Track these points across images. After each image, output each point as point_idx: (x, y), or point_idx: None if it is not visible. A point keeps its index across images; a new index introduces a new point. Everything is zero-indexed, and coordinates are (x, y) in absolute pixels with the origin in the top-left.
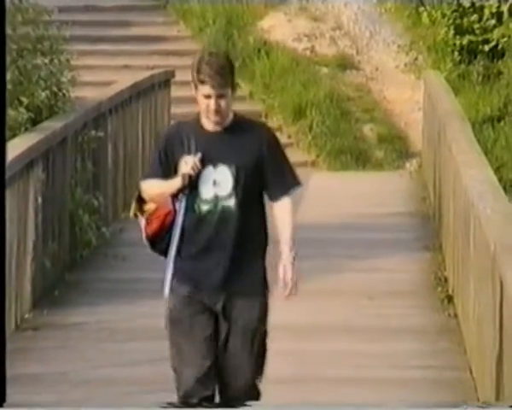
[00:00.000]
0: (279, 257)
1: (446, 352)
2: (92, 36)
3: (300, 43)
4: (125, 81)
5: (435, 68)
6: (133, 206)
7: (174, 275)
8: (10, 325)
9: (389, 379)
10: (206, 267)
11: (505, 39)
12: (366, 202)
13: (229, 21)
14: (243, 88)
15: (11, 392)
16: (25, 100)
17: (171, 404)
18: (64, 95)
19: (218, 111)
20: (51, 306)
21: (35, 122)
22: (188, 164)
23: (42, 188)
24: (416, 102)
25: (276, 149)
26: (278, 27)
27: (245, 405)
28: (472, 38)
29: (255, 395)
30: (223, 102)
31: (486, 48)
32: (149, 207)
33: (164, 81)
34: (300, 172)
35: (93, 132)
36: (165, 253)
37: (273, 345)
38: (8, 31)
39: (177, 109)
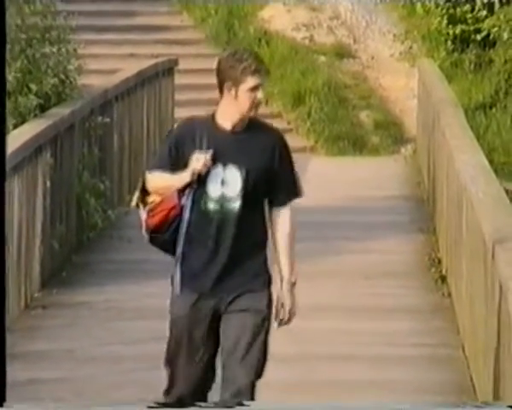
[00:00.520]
0: (279, 282)
1: (440, 330)
2: (98, 25)
3: (299, 32)
4: (130, 69)
5: (429, 57)
6: (136, 195)
7: (182, 274)
8: (20, 304)
9: (385, 356)
10: (208, 265)
11: (496, 29)
12: (363, 186)
13: (230, 12)
14: None
15: (20, 368)
16: (34, 87)
17: (162, 404)
18: (71, 82)
19: (261, 102)
20: (59, 286)
21: (44, 108)
22: (199, 161)
23: (50, 172)
24: (411, 90)
25: (287, 158)
26: (278, 17)
27: (242, 404)
28: (464, 27)
29: (252, 392)
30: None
31: (478, 37)
32: (154, 199)
33: (168, 69)
34: (299, 158)
35: (99, 119)
36: (164, 247)
37: (274, 324)
38: (18, 21)
39: (180, 96)
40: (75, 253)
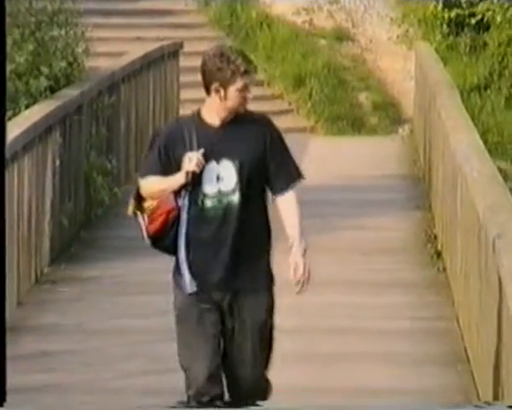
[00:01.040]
0: (289, 252)
1: (435, 304)
2: (105, 9)
3: (299, 16)
4: (136, 52)
5: (425, 40)
6: (132, 203)
7: (192, 274)
8: (30, 278)
9: (382, 329)
10: (211, 263)
11: (490, 13)
12: (361, 165)
13: None
14: None
15: (31, 340)
16: (44, 69)
17: (182, 403)
18: (79, 65)
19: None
20: (68, 261)
21: (53, 90)
22: (192, 160)
23: (59, 151)
24: (408, 72)
25: (279, 142)
26: (279, 2)
27: (256, 404)
28: (459, 11)
29: (265, 387)
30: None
31: (473, 21)
32: (150, 204)
33: (173, 52)
34: (300, 137)
35: (107, 100)
36: (167, 250)
37: (276, 299)
38: (26, 4)
39: (185, 78)
40: (83, 229)
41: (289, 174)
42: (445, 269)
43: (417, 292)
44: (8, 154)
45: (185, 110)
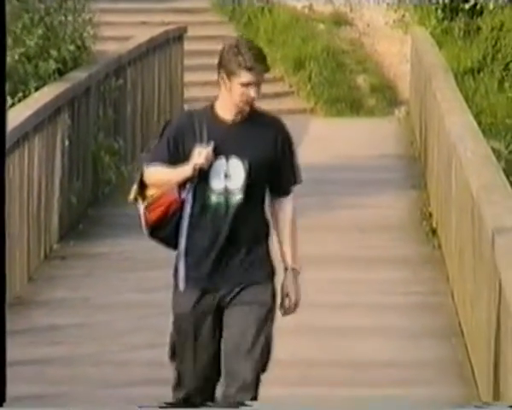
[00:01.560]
0: (283, 273)
1: (431, 279)
2: None
3: (299, 2)
4: (142, 36)
5: (421, 25)
6: (134, 189)
7: (187, 269)
8: (40, 255)
9: (379, 304)
10: (212, 259)
11: None
12: (359, 145)
13: None
14: None
15: (41, 314)
16: (53, 53)
17: (169, 404)
18: (87, 48)
19: (254, 100)
20: (77, 238)
21: (62, 73)
22: (201, 155)
23: (68, 132)
24: (404, 55)
25: (289, 148)
26: None
27: (245, 405)
28: None
29: (257, 385)
30: (260, 90)
31: (466, 6)
32: (153, 193)
33: (177, 36)
34: (300, 118)
35: (114, 82)
36: (165, 241)
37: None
38: None
39: (189, 61)
40: (91, 207)
41: (291, 179)
42: (440, 246)
43: (413, 268)
44: (18, 134)
45: (189, 92)
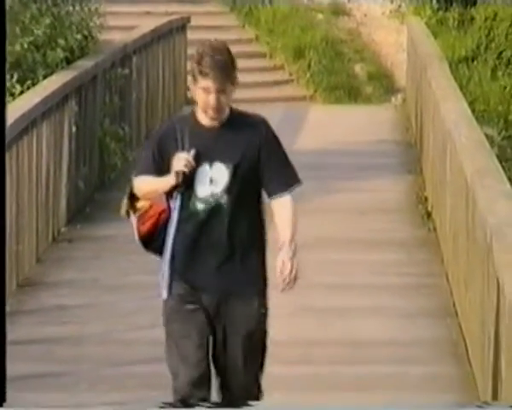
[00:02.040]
0: (278, 252)
1: (426, 261)
2: None
3: None
4: (146, 26)
5: (416, 15)
6: (125, 203)
7: (171, 275)
8: (48, 238)
9: (376, 285)
10: (201, 267)
11: None
12: (357, 132)
13: None
14: (250, 32)
15: (49, 295)
16: (61, 42)
17: (168, 404)
18: (93, 38)
19: (217, 107)
20: (84, 221)
21: (69, 61)
22: (180, 161)
23: (75, 118)
24: (400, 45)
25: (275, 145)
26: None
27: (247, 405)
28: None
29: (257, 393)
30: (223, 98)
31: None
32: (142, 205)
33: (181, 26)
34: (300, 106)
35: (119, 71)
36: (159, 252)
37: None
38: None
39: (191, 50)
40: (97, 191)
41: (285, 178)
42: (435, 229)
43: (409, 250)
44: (27, 121)
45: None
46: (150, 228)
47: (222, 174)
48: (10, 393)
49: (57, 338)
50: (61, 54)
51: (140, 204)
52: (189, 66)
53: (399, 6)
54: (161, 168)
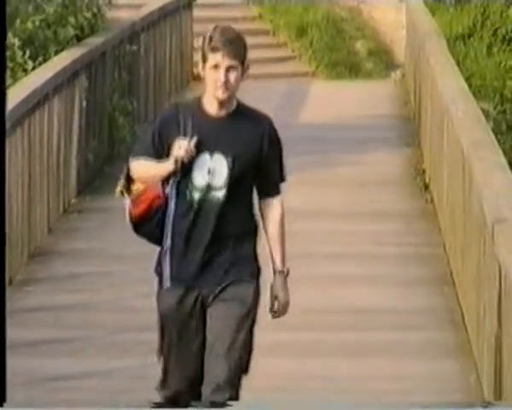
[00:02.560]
0: (272, 276)
1: (424, 231)
2: None
3: None
4: (154, 4)
5: None
6: (121, 183)
7: (172, 266)
8: (59, 209)
9: (376, 254)
10: (195, 257)
11: None
12: (357, 106)
13: None
14: (254, 10)
15: (61, 264)
16: (71, 20)
17: (158, 404)
18: (103, 15)
19: (226, 85)
20: (93, 193)
21: (79, 38)
22: (181, 148)
23: (85, 94)
24: (400, 22)
25: (276, 147)
26: None
27: (227, 405)
28: None
29: (238, 387)
30: (232, 76)
31: None
32: (137, 187)
33: (187, 3)
34: (302, 81)
35: (128, 47)
36: (148, 236)
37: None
38: None
39: (198, 28)
40: (107, 164)
41: (278, 182)
42: (432, 200)
43: (407, 221)
44: (39, 96)
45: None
46: (142, 212)
47: (221, 166)
48: (18, 359)
49: (67, 305)
50: (71, 31)
51: (135, 187)
52: (195, 43)
53: None
54: (160, 153)
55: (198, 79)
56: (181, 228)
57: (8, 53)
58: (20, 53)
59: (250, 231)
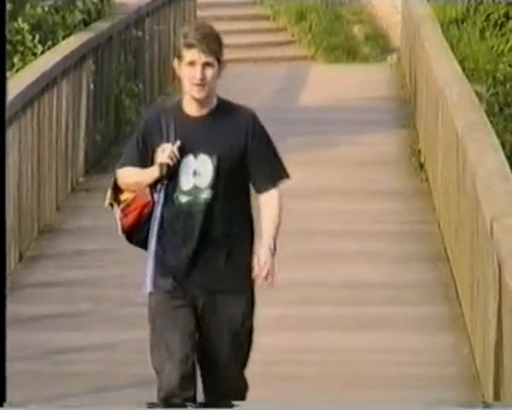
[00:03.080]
0: (259, 247)
1: (419, 209)
2: None
3: None
4: None
5: None
6: (109, 194)
7: (156, 270)
8: (67, 187)
9: (373, 232)
10: (185, 261)
11: None
12: (355, 89)
13: None
14: None
15: (68, 241)
16: (79, 4)
17: (153, 404)
18: (109, 1)
19: (202, 82)
20: (100, 172)
21: (87, 23)
22: (165, 152)
23: (92, 77)
24: (395, 7)
25: (262, 139)
26: None
27: (232, 405)
28: None
29: (242, 388)
30: (209, 73)
31: None
32: (126, 197)
33: None
34: (301, 65)
35: (134, 32)
36: (143, 245)
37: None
38: None
39: (201, 13)
40: (113, 144)
41: (273, 172)
42: (427, 179)
43: (403, 199)
44: (48, 79)
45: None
46: (133, 221)
47: (206, 166)
48: (27, 332)
49: (75, 281)
50: (79, 16)
51: (124, 196)
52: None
53: None
54: (146, 160)
55: None
56: (169, 232)
57: (18, 37)
58: (29, 37)
59: (243, 232)
